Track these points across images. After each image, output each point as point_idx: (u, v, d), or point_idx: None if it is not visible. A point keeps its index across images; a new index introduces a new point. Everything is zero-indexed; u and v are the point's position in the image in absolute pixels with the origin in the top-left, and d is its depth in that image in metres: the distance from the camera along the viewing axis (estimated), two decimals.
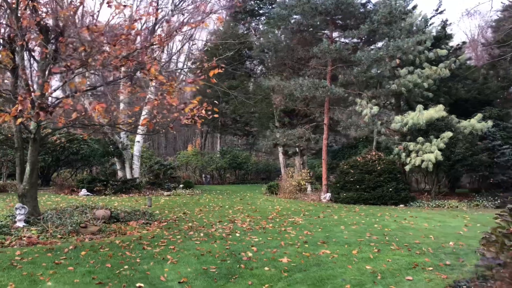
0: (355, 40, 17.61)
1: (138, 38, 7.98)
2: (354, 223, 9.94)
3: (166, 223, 9.63)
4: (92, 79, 10.26)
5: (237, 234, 8.17)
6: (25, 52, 8.39)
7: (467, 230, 9.16)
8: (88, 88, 7.26)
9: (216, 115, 9.56)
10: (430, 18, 18.89)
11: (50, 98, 8.27)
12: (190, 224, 9.54)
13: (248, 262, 5.95)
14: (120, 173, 18.59)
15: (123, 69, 8.13)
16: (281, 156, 27.48)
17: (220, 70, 7.69)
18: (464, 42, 20.35)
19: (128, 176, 18.10)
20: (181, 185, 19.89)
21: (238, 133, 36.09)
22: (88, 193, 15.88)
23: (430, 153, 13.77)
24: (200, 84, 7.93)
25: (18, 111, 5.68)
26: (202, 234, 8.15)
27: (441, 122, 15.24)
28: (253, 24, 28.75)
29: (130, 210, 10.46)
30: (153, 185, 18.63)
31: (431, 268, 5.75)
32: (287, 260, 6.08)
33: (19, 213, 8.28)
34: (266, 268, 5.63)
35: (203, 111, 9.01)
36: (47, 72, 7.11)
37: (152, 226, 9.24)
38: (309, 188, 19.81)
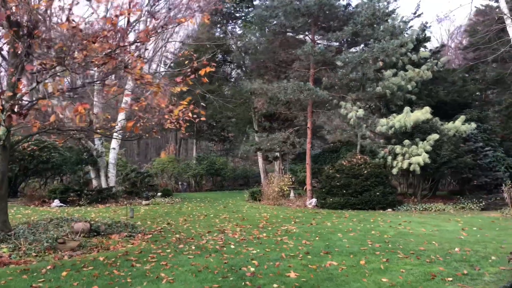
0: (334, 43, 17.36)
1: (119, 35, 7.31)
2: (350, 230, 9.51)
3: (151, 235, 8.91)
4: (66, 80, 9.48)
5: (232, 246, 7.56)
6: None
7: (467, 234, 8.87)
8: (70, 88, 6.53)
9: (203, 118, 9.00)
10: (408, 21, 18.88)
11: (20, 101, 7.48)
12: (177, 235, 8.87)
13: (254, 279, 5.37)
14: (95, 182, 17.61)
15: (97, 68, 7.46)
16: (260, 161, 27.01)
17: (211, 69, 7.12)
18: (443, 45, 20.49)
19: (104, 185, 17.14)
20: (159, 193, 19.08)
21: (214, 139, 35.39)
22: (61, 204, 14.88)
23: (417, 156, 13.56)
24: (190, 84, 7.34)
25: None
26: (193, 247, 7.50)
27: (426, 124, 15.13)
28: (230, 27, 28.25)
29: (110, 222, 9.68)
30: (130, 194, 17.74)
31: (450, 279, 5.33)
32: (295, 275, 5.53)
33: None
34: (275, 285, 5.07)
35: (190, 114, 8.43)
36: (18, 70, 6.34)
37: (136, 239, 8.52)
38: (292, 194, 19.36)
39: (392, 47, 14.27)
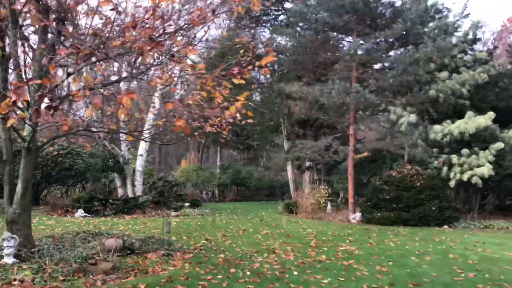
0: (375, 45, 16.06)
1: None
2: (422, 252, 8.13)
3: (191, 254, 7.69)
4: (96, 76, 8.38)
5: (295, 273, 6.27)
6: (18, 39, 6.55)
7: None
8: (110, 81, 5.41)
9: (250, 120, 7.83)
10: (460, 20, 17.43)
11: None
12: (222, 255, 7.63)
13: None
14: (120, 191, 16.56)
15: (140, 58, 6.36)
16: (290, 171, 25.68)
17: (274, 59, 5.93)
18: (495, 47, 18.97)
19: (130, 194, 16.07)
20: (186, 204, 17.93)
21: (239, 147, 34.14)
22: (85, 214, 13.83)
23: (481, 167, 12.11)
24: (246, 76, 6.15)
25: (11, 103, 3.82)
26: (248, 273, 6.24)
27: (485, 132, 13.66)
28: (258, 31, 27.18)
29: (143, 237, 8.53)
30: (158, 204, 16.62)
31: None
32: None
33: (7, 245, 6.34)
34: None
35: (237, 114, 7.28)
36: (48, 58, 5.25)
37: (176, 258, 7.31)
38: (329, 207, 18.00)
39: (450, 46, 12.93)
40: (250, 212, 17.20)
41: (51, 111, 4.85)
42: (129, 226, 11.57)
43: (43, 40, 5.29)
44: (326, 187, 17.98)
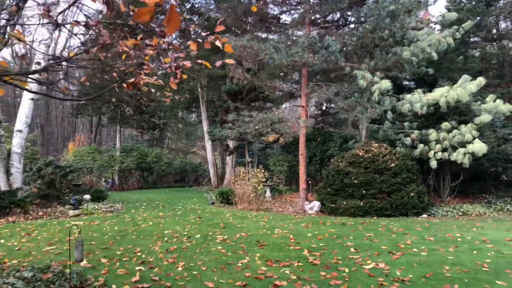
0: None
1: None
2: (478, 263, 5.47)
3: None
4: None
5: None
6: None
7: None
8: None
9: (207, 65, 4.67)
10: None
11: None
12: None
13: None
14: None
15: None
16: (209, 153, 22.34)
17: None
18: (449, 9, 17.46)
19: (4, 187, 11.20)
20: (87, 196, 13.56)
21: (143, 126, 29.42)
22: None
23: (477, 144, 10.07)
24: None
25: None
26: None
27: (462, 103, 11.77)
28: None
29: (31, 271, 4.58)
30: (45, 198, 11.96)
31: None
32: None
33: None
34: None
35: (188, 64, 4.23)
36: None
37: None
38: (268, 193, 15.08)
39: None
40: (175, 205, 13.50)
41: None
42: (2, 241, 7.24)
43: None
44: (263, 171, 14.94)
